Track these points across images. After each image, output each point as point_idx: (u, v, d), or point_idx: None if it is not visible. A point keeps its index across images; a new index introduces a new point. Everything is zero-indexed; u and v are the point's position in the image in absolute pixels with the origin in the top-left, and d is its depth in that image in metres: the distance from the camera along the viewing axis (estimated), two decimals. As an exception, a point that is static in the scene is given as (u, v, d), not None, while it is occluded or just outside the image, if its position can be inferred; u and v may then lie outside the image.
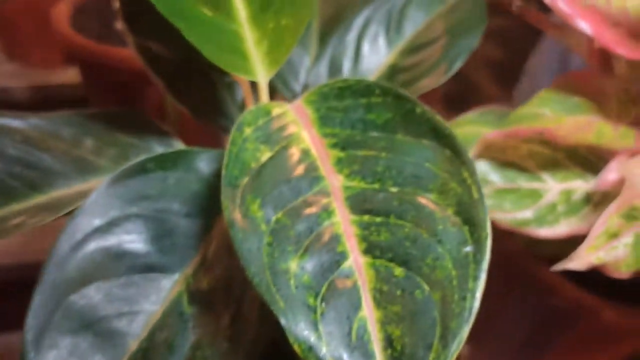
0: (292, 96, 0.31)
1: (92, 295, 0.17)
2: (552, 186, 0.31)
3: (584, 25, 0.28)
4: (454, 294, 0.15)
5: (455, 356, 0.14)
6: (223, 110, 0.29)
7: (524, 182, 0.31)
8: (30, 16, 0.79)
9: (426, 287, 0.15)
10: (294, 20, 0.24)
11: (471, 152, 0.31)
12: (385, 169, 0.18)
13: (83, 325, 0.17)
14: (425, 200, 0.17)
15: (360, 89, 0.21)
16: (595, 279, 0.28)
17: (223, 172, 0.18)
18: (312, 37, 0.32)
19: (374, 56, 0.29)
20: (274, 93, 0.29)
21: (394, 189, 0.18)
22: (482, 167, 0.31)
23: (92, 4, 0.60)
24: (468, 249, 0.15)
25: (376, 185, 0.18)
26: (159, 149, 0.25)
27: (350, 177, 0.19)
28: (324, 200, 0.18)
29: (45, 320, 0.17)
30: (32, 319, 0.16)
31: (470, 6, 0.29)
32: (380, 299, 0.15)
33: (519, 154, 0.32)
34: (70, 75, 0.81)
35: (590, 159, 0.33)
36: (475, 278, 0.15)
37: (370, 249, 0.16)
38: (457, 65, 0.26)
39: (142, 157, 0.24)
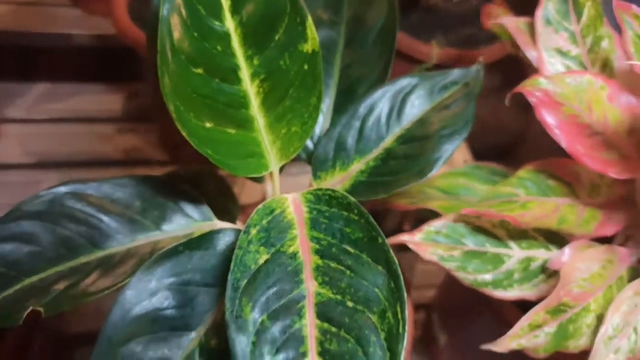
0: (305, 154, 0.37)
1: (135, 347, 0.25)
2: (516, 253, 0.37)
3: (559, 136, 0.32)
4: (369, 402, 0.22)
5: None
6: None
7: (491, 247, 0.37)
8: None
9: (352, 393, 0.22)
10: (302, 129, 0.29)
11: (451, 217, 0.37)
12: (347, 286, 0.25)
13: (128, 368, 0.25)
14: (368, 322, 0.24)
15: (344, 204, 0.27)
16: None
17: (230, 275, 0.25)
18: (329, 105, 0.37)
19: (374, 138, 0.34)
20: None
21: (350, 304, 0.24)
22: (459, 229, 0.37)
23: (148, -12, 0.64)
24: (385, 371, 0.22)
25: (339, 297, 0.25)
26: (189, 211, 0.32)
27: (322, 285, 0.25)
28: (299, 304, 0.25)
29: (103, 364, 0.25)
30: (94, 363, 0.25)
31: (464, 104, 0.33)
32: (322, 393, 0.22)
33: (491, 222, 0.37)
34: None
35: (556, 233, 0.38)
36: (385, 394, 0.22)
37: (323, 354, 0.23)
38: (436, 168, 0.31)
39: (177, 217, 0.31)
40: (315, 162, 0.35)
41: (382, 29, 0.36)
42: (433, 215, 0.40)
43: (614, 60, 0.37)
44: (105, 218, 0.30)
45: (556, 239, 0.38)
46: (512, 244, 0.37)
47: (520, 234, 0.37)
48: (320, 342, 0.24)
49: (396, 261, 0.25)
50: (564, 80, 0.33)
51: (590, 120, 0.33)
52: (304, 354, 0.23)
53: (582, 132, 0.33)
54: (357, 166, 0.34)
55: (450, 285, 0.59)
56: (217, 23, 0.25)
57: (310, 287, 0.25)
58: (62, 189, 0.30)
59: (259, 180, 0.36)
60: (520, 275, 0.36)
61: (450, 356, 0.57)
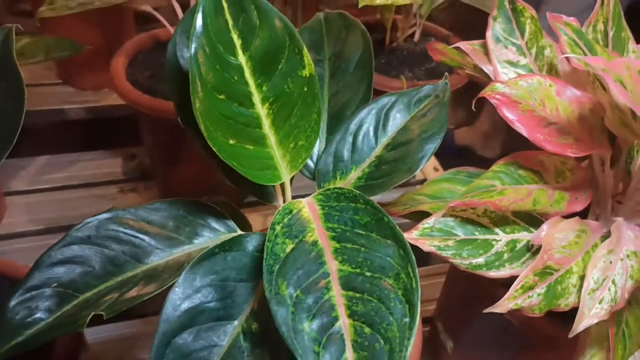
0: (308, 172, 0.42)
1: (187, 337, 0.29)
2: (502, 237, 0.42)
3: (521, 128, 0.38)
4: (396, 347, 0.26)
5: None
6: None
7: (479, 234, 0.42)
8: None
9: (382, 342, 0.26)
10: (307, 142, 0.35)
11: (441, 213, 0.42)
12: (364, 260, 0.29)
13: (182, 356, 0.29)
14: (386, 284, 0.28)
15: (351, 197, 0.32)
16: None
17: (264, 262, 0.29)
18: (323, 128, 0.43)
19: (366, 149, 0.40)
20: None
21: (368, 274, 0.29)
22: (449, 223, 0.42)
23: (142, 56, 0.71)
24: (406, 319, 0.26)
25: (358, 270, 0.29)
26: (215, 225, 0.36)
27: (342, 263, 0.30)
28: (325, 280, 0.29)
29: (160, 354, 0.28)
30: (154, 354, 0.28)
31: (437, 111, 0.39)
32: (356, 347, 0.26)
33: (476, 212, 0.42)
34: (116, 96, 0.93)
35: (533, 215, 0.43)
36: (409, 338, 0.26)
37: (352, 315, 0.27)
38: (422, 165, 0.37)
39: (205, 232, 0.36)
40: (318, 175, 0.40)
41: (360, 59, 0.43)
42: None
43: (557, 65, 0.44)
44: (145, 237, 0.34)
45: (535, 222, 0.43)
46: (497, 230, 0.42)
47: (503, 221, 0.42)
48: (348, 306, 0.28)
49: (402, 233, 0.29)
50: (517, 83, 0.40)
51: (545, 113, 0.40)
52: (336, 318, 0.27)
53: (539, 124, 0.39)
54: (355, 174, 0.39)
55: (449, 294, 0.63)
56: (232, 58, 0.31)
57: (332, 266, 0.30)
58: (105, 216, 0.34)
59: (269, 199, 0.40)
60: (509, 256, 0.41)
61: None
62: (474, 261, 0.41)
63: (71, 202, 0.77)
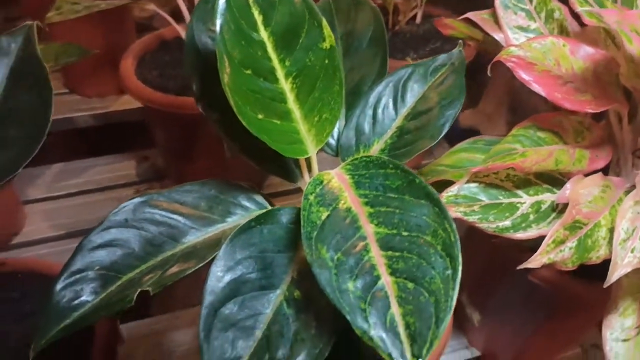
0: (330, 149, 0.43)
1: (232, 307, 0.30)
2: (526, 199, 0.43)
3: (538, 88, 0.39)
4: (442, 297, 0.26)
5: (443, 333, 0.26)
6: (278, 161, 0.41)
7: (503, 198, 0.42)
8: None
9: (426, 294, 0.27)
10: (331, 114, 0.35)
11: (464, 180, 0.42)
12: (399, 221, 0.30)
13: (229, 325, 0.29)
14: (424, 241, 0.29)
15: (379, 163, 0.33)
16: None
17: (302, 229, 0.30)
18: (342, 105, 0.43)
19: (386, 120, 0.40)
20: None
21: (405, 233, 0.29)
22: (473, 189, 0.43)
23: (149, 56, 0.72)
24: (449, 272, 0.27)
25: (394, 231, 0.30)
26: (246, 203, 0.37)
27: (378, 226, 0.30)
28: (363, 242, 0.30)
29: (209, 324, 0.29)
30: (202, 324, 0.29)
31: (454, 78, 0.40)
32: (401, 302, 0.27)
33: (499, 177, 0.43)
34: (123, 101, 0.94)
35: (555, 177, 0.44)
36: (453, 289, 0.26)
37: (393, 272, 0.28)
38: (444, 131, 0.37)
39: (237, 210, 0.36)
40: (341, 150, 0.41)
41: (373, 35, 0.43)
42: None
43: (568, 26, 0.44)
44: (180, 218, 0.35)
45: (558, 183, 0.44)
46: (520, 192, 0.43)
47: (526, 183, 0.43)
48: (389, 265, 0.28)
49: (435, 191, 0.30)
50: (531, 45, 0.40)
51: (560, 72, 0.40)
52: (378, 277, 0.28)
53: (556, 83, 0.40)
54: (378, 146, 0.40)
55: (471, 267, 0.64)
56: (255, 34, 0.32)
57: (368, 229, 0.30)
58: (139, 200, 0.35)
59: (293, 179, 0.41)
60: (535, 217, 0.42)
61: (487, 331, 0.61)
62: (501, 224, 0.41)
63: (89, 206, 0.78)
